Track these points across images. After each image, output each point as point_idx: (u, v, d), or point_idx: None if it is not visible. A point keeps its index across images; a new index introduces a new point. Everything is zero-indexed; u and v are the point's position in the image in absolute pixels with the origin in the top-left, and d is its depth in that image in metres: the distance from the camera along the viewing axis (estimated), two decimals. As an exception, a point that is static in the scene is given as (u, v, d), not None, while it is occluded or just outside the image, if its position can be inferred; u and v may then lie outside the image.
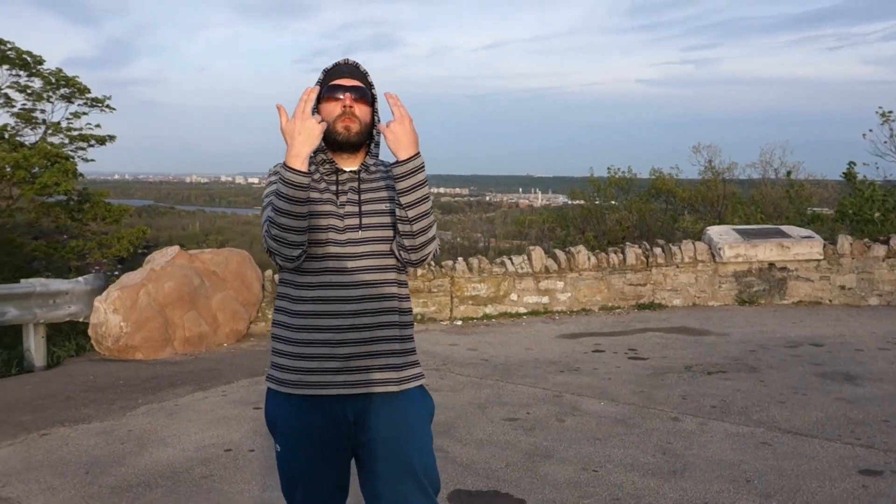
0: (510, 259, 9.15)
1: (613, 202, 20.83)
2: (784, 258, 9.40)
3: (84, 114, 14.74)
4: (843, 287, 9.43)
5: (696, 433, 4.76)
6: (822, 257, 9.42)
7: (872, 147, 14.60)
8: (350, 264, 2.10)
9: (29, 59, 14.47)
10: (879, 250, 9.37)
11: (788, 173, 16.73)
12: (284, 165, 2.01)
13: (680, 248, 9.48)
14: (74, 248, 13.75)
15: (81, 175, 14.64)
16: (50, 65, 14.74)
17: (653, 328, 8.13)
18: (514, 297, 8.91)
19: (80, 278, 7.27)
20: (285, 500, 2.24)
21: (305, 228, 2.04)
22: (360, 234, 2.12)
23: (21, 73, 14.58)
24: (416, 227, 2.08)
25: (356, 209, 2.14)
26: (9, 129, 14.43)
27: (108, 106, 14.96)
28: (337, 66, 2.19)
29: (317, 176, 2.16)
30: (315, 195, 2.12)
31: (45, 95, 14.67)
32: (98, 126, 14.90)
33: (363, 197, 2.16)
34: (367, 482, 2.12)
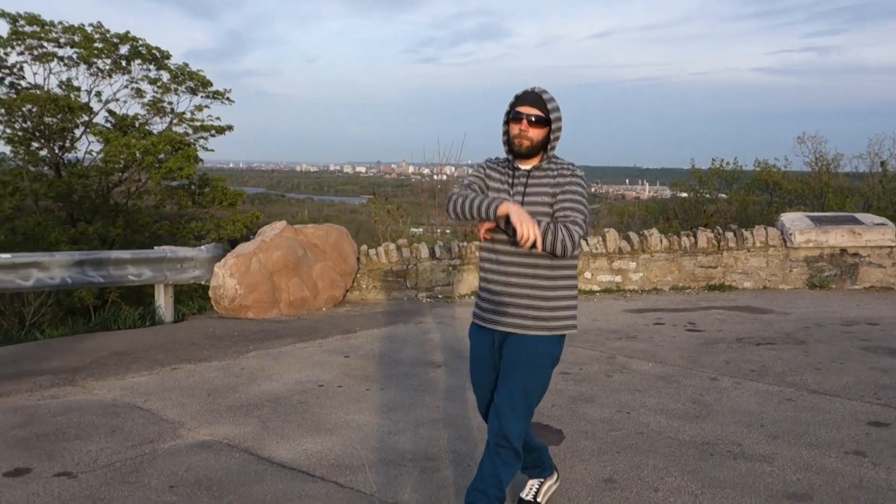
0: (585, 240, 9.78)
1: (719, 194, 20.82)
2: (856, 244, 9.63)
3: (207, 106, 16.04)
4: (916, 274, 9.59)
5: (728, 390, 5.34)
6: (894, 244, 9.60)
7: None
8: (506, 247, 2.92)
9: (158, 54, 15.92)
10: (955, 238, 9.47)
11: (882, 163, 16.43)
12: (494, 210, 2.76)
13: (752, 233, 9.85)
14: (194, 230, 15.14)
15: (201, 161, 16.02)
16: (176, 60, 16.16)
17: (717, 306, 8.60)
18: (588, 275, 9.54)
19: (202, 246, 8.44)
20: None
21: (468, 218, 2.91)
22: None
23: (151, 67, 16.05)
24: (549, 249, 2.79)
25: (521, 199, 2.91)
26: (139, 118, 15.93)
27: (228, 99, 16.26)
28: (525, 93, 2.90)
29: (501, 169, 3.01)
30: (496, 185, 2.98)
31: (171, 88, 16.09)
32: (218, 118, 16.21)
33: (528, 190, 2.92)
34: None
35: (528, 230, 2.62)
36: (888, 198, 16.09)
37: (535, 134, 2.87)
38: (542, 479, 3.42)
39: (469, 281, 9.40)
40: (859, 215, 10.35)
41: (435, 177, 16.92)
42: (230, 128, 16.49)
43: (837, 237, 9.68)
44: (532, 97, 2.88)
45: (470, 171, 3.10)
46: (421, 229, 13.76)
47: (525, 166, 2.94)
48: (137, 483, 3.62)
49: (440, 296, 9.27)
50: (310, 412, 4.75)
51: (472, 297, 9.34)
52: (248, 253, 7.89)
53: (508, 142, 2.93)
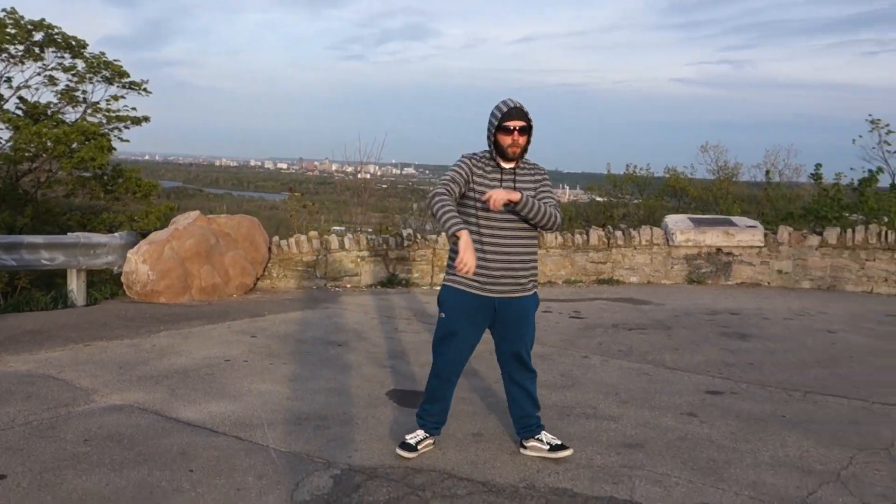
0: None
1: (632, 198, 21.91)
2: (729, 244, 10.61)
3: (122, 97, 15.99)
4: (780, 271, 10.63)
5: (595, 366, 6.05)
6: (762, 244, 10.62)
7: (862, 152, 15.34)
8: (506, 226, 3.70)
9: (73, 43, 15.81)
10: (813, 240, 10.55)
11: (767, 173, 17.75)
12: (454, 234, 3.47)
13: (639, 232, 10.72)
14: (105, 221, 15.12)
15: (115, 149, 15.95)
16: (90, 46, 15.99)
17: (603, 298, 9.39)
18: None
19: (115, 234, 8.72)
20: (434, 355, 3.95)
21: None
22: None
23: (66, 55, 15.90)
24: (535, 221, 3.70)
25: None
26: (52, 106, 15.76)
27: (145, 90, 16.26)
28: (511, 109, 3.62)
29: (488, 170, 3.71)
30: (483, 180, 3.68)
31: (87, 77, 15.98)
32: (134, 109, 16.18)
33: (517, 186, 3.69)
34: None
35: (468, 260, 3.44)
36: (772, 204, 17.41)
37: (522, 141, 3.68)
38: (427, 434, 4.03)
39: (376, 271, 9.93)
40: (734, 218, 11.36)
41: (358, 175, 17.32)
42: (146, 119, 16.47)
43: (713, 237, 10.63)
44: (517, 112, 3.63)
45: (455, 164, 3.72)
46: (343, 227, 14.17)
47: (508, 165, 3.72)
48: (54, 437, 4.03)
49: (348, 285, 9.78)
50: (216, 382, 5.21)
51: (379, 287, 9.88)
52: (162, 240, 8.23)
53: (499, 149, 3.68)
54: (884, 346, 6.96)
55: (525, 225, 3.73)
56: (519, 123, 3.63)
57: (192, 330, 6.82)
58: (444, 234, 10.26)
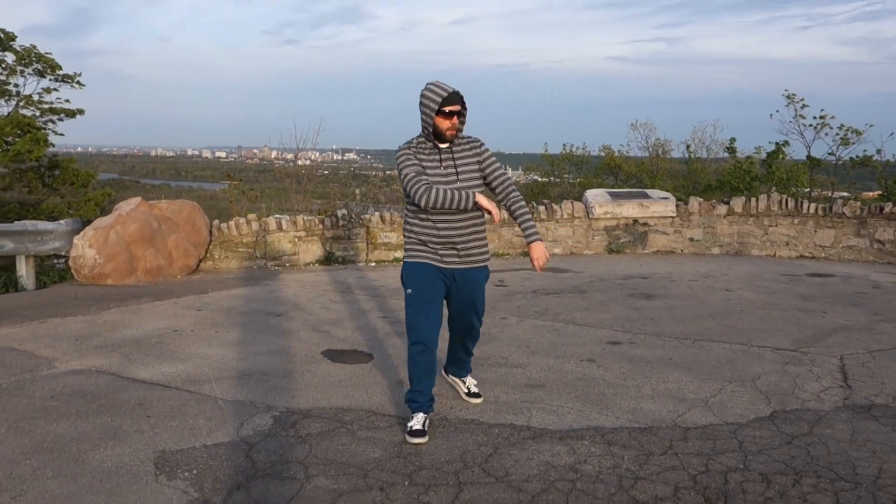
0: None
1: (569, 177, 22.68)
2: (644, 215, 11.43)
3: (55, 89, 16.06)
4: (692, 239, 11.50)
5: (511, 325, 6.72)
6: (675, 215, 11.47)
7: (780, 126, 16.06)
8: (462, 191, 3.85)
9: (2, 35, 15.80)
10: (721, 209, 11.44)
11: (688, 147, 18.70)
12: (474, 202, 3.81)
13: (560, 207, 11.45)
14: (45, 210, 15.25)
15: (52, 144, 16.05)
16: (19, 39, 15.99)
17: (527, 268, 10.10)
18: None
19: (61, 221, 9.07)
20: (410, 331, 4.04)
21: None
22: (458, 185, 3.86)
23: (-6, 48, 15.89)
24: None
25: (454, 170, 3.89)
26: (-18, 100, 15.75)
27: (78, 82, 16.34)
28: (450, 95, 3.78)
29: (428, 152, 3.90)
30: (428, 164, 3.87)
31: (18, 70, 16.01)
32: (68, 101, 16.26)
33: (457, 164, 3.90)
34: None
35: (496, 211, 3.85)
36: (693, 177, 18.40)
37: (459, 123, 3.88)
38: (426, 416, 4.09)
39: (313, 250, 10.46)
40: (649, 191, 12.19)
41: (299, 162, 17.65)
42: (81, 111, 16.56)
43: (630, 209, 11.43)
44: (455, 97, 3.82)
45: (400, 158, 3.89)
46: (286, 215, 14.58)
47: (444, 145, 3.90)
48: (23, 395, 4.52)
49: (287, 264, 10.29)
50: (166, 348, 5.73)
51: (317, 265, 10.42)
52: (106, 226, 8.62)
53: (435, 131, 3.85)
54: (771, 301, 7.80)
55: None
56: (457, 108, 3.81)
57: (141, 306, 7.29)
58: (377, 214, 10.84)
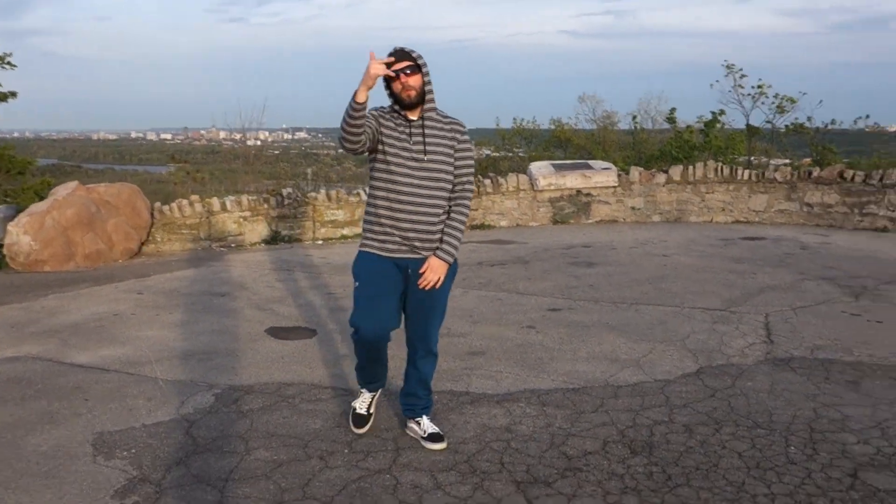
0: (364, 190, 11.08)
1: (520, 151, 22.77)
2: (587, 185, 11.62)
3: (-16, 71, 15.53)
4: (633, 208, 11.74)
5: (456, 297, 6.79)
6: (616, 184, 11.69)
7: (720, 96, 16.33)
8: (417, 181, 3.40)
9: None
10: (661, 178, 11.70)
11: (634, 118, 18.96)
12: (353, 96, 3.08)
13: (506, 179, 11.58)
14: (-22, 200, 14.83)
15: (-15, 130, 15.58)
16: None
17: (474, 241, 10.20)
18: (366, 221, 10.84)
19: (-6, 208, 8.87)
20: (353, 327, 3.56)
21: (359, 134, 3.22)
22: (425, 161, 3.40)
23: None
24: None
25: (423, 148, 3.41)
26: None
27: (9, 63, 15.83)
28: (392, 52, 3.32)
29: (396, 123, 3.40)
30: (391, 132, 3.39)
31: (-57, 53, 15.43)
32: (0, 84, 15.76)
33: (427, 140, 3.41)
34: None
35: (374, 66, 3.09)
36: (639, 148, 18.70)
37: (415, 81, 3.35)
38: (374, 394, 3.88)
39: (259, 230, 10.42)
40: (592, 162, 12.39)
41: (248, 142, 17.42)
42: (13, 94, 16.05)
43: (573, 180, 11.61)
44: (400, 53, 3.34)
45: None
46: (235, 197, 14.42)
47: (414, 117, 3.42)
48: (-44, 384, 4.48)
49: (233, 245, 10.24)
50: (106, 332, 5.70)
51: (263, 245, 10.39)
52: (42, 211, 8.47)
53: (397, 100, 3.39)
54: (705, 265, 8.04)
55: (438, 183, 3.45)
56: (404, 64, 3.33)
57: (80, 292, 7.21)
58: (324, 192, 10.82)
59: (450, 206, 3.53)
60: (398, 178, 3.41)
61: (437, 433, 3.66)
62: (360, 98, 3.11)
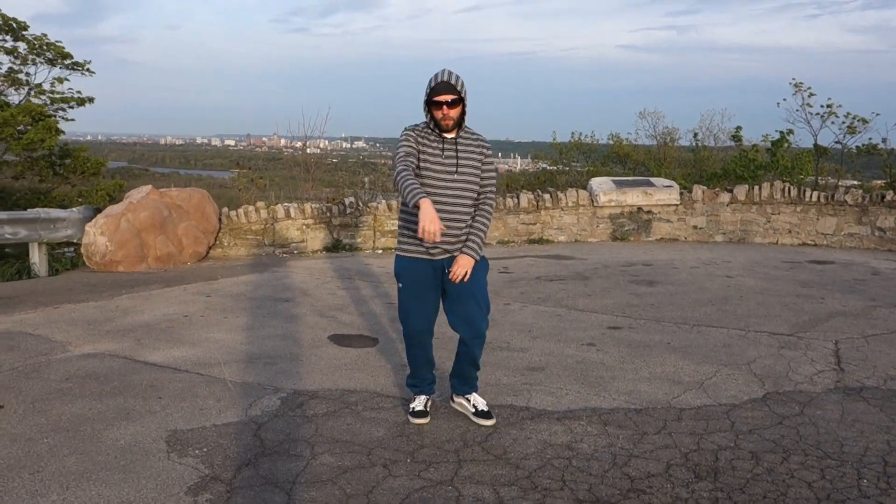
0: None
1: (577, 165, 22.69)
2: (648, 203, 11.52)
3: (66, 78, 16.20)
4: (695, 227, 11.59)
5: (515, 311, 6.85)
6: (678, 203, 11.56)
7: (786, 114, 16.06)
8: (450, 192, 3.79)
9: (14, 24, 15.94)
10: (725, 197, 11.53)
11: (695, 136, 18.72)
12: (415, 205, 3.49)
13: (566, 195, 11.55)
14: (56, 199, 15.42)
15: (63, 132, 16.22)
16: (32, 29, 16.14)
17: (531, 255, 10.22)
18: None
19: (73, 209, 9.24)
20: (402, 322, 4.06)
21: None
22: (456, 176, 3.80)
23: (7, 37, 16.04)
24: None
25: (454, 160, 3.81)
26: (-5, 89, 15.90)
27: (88, 70, 16.48)
28: (438, 84, 3.68)
29: (431, 140, 3.79)
30: (429, 150, 3.77)
31: (29, 59, 16.15)
32: (79, 91, 16.39)
33: (459, 156, 3.81)
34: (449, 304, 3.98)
35: (427, 226, 3.44)
36: (700, 165, 18.44)
37: (454, 113, 3.75)
38: (428, 397, 4.18)
39: (321, 238, 10.61)
40: (654, 179, 12.28)
41: (308, 150, 17.72)
42: (91, 100, 16.68)
43: (634, 197, 11.53)
44: (445, 86, 3.69)
45: (400, 140, 3.79)
46: (294, 203, 14.68)
47: (450, 135, 3.81)
48: (39, 378, 4.68)
49: (295, 251, 10.45)
50: (176, 333, 5.89)
51: (324, 252, 10.57)
52: (118, 213, 8.79)
53: (434, 122, 3.77)
54: (771, 287, 7.90)
55: (466, 193, 3.83)
56: (448, 97, 3.68)
57: (152, 293, 7.45)
58: (384, 202, 10.97)
59: (475, 212, 3.92)
60: (432, 190, 3.77)
61: (487, 411, 4.10)
62: (412, 206, 3.55)
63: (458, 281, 3.84)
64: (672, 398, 4.52)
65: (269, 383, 4.68)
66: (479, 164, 3.89)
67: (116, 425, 3.95)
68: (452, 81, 3.71)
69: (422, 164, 3.78)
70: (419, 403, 4.15)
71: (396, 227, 10.68)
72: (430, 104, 3.75)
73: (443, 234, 3.71)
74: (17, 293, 7.39)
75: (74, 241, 9.14)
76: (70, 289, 7.64)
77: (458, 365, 4.13)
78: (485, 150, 3.93)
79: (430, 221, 3.44)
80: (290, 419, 4.09)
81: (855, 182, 16.72)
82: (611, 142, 22.56)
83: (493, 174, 3.97)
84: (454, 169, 3.81)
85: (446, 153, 3.81)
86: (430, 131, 3.84)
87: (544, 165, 24.43)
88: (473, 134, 3.93)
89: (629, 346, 5.65)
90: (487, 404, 4.21)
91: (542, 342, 5.75)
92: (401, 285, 3.98)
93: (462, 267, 3.83)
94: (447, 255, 3.90)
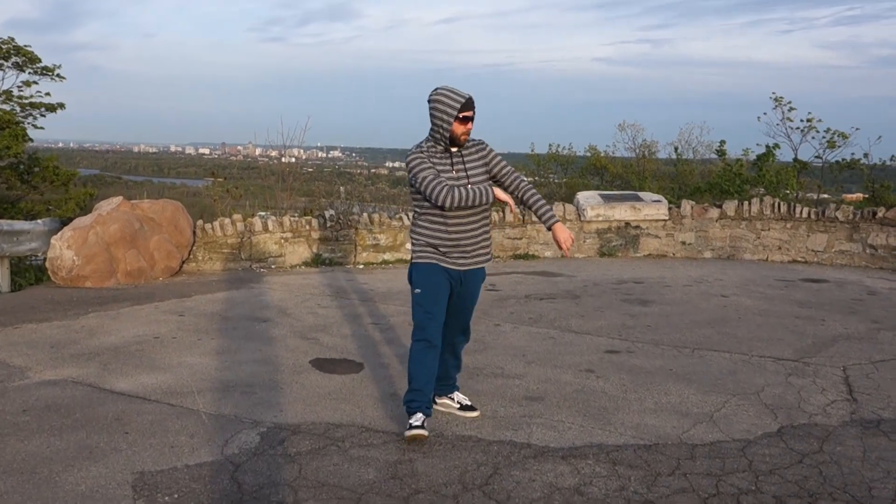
0: (407, 214, 10.85)
1: (554, 177, 22.48)
2: (637, 218, 11.27)
3: (35, 83, 15.69)
4: (684, 243, 11.36)
5: (506, 332, 6.52)
6: (667, 218, 11.32)
7: (767, 129, 15.96)
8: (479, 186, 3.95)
9: (-19, 28, 15.43)
10: (714, 213, 11.31)
11: (676, 149, 18.59)
12: (491, 195, 3.92)
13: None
14: (23, 210, 14.87)
15: (31, 140, 15.69)
16: (2, 33, 15.68)
17: (519, 272, 9.90)
18: (408, 245, 10.59)
19: (38, 221, 8.77)
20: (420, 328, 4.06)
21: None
22: (469, 188, 3.91)
23: (-28, 41, 15.52)
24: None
25: (464, 172, 4.00)
26: (-39, 95, 15.36)
27: (58, 75, 15.98)
28: (467, 101, 3.89)
29: (440, 156, 3.99)
30: (440, 166, 3.96)
31: (-4, 63, 15.63)
32: (48, 94, 15.90)
33: (467, 166, 4.01)
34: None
35: (512, 202, 3.99)
36: (681, 179, 18.29)
37: (472, 129, 4.00)
38: (426, 416, 4.05)
39: (300, 252, 10.22)
40: (641, 193, 12.03)
41: (283, 159, 17.35)
42: (62, 106, 16.22)
43: (622, 212, 11.27)
44: (471, 103, 3.92)
45: (414, 161, 3.96)
46: (268, 212, 14.25)
47: (454, 149, 4.00)
48: (-8, 410, 4.26)
49: (273, 266, 10.04)
50: (146, 357, 5.48)
51: (304, 267, 10.17)
52: (86, 226, 8.34)
53: (451, 135, 3.93)
54: (769, 308, 7.65)
55: (480, 205, 4.02)
56: (471, 114, 3.93)
57: (121, 311, 7.02)
58: (366, 215, 10.60)
59: (522, 194, 4.10)
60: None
61: (470, 405, 4.40)
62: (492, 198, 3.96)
63: (567, 248, 4.06)
64: (682, 432, 4.22)
65: (247, 416, 4.31)
66: (485, 167, 4.06)
67: (77, 466, 3.56)
68: (473, 98, 3.95)
69: (564, 252, 4.12)
70: (417, 420, 3.99)
71: (377, 243, 10.33)
72: (457, 120, 3.90)
73: (465, 245, 4.04)
74: (-25, 311, 6.93)
75: (39, 254, 8.67)
76: (33, 306, 7.19)
77: (441, 368, 4.28)
78: (482, 151, 4.09)
79: (511, 198, 4.00)
80: (270, 459, 3.72)
81: (826, 196, 16.66)
82: (588, 154, 22.40)
83: (505, 163, 4.12)
84: (466, 181, 3.98)
85: (456, 167, 4.00)
86: (435, 148, 4.02)
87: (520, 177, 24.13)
88: (469, 141, 4.06)
89: (630, 373, 5.34)
90: (471, 399, 4.48)
91: (538, 368, 5.43)
92: (418, 291, 4.06)
93: (565, 234, 4.04)
94: (465, 268, 4.10)
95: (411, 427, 3.95)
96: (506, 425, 4.25)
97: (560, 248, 4.05)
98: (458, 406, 4.40)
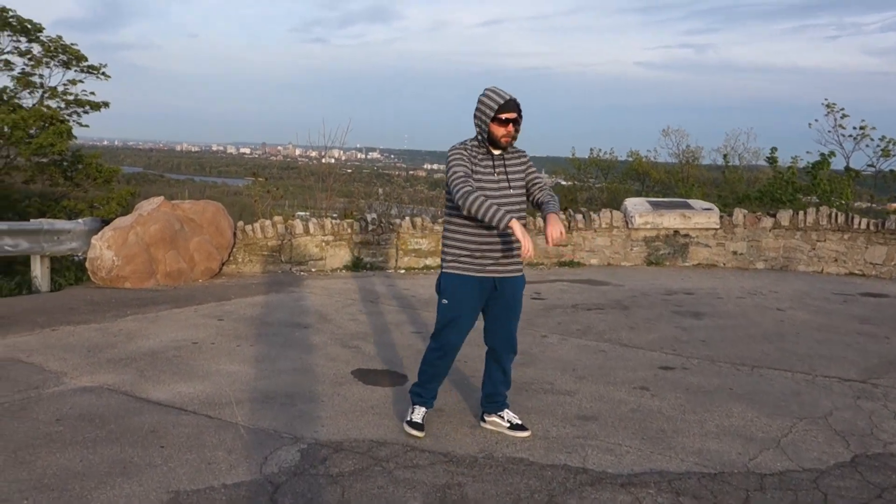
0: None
1: (596, 182, 22.16)
2: (686, 226, 10.91)
3: (80, 81, 15.80)
4: (735, 252, 10.96)
5: (554, 344, 6.26)
6: (718, 227, 10.93)
7: (818, 136, 15.53)
8: (504, 209, 3.74)
9: (30, 26, 15.57)
10: (767, 222, 10.90)
11: (725, 156, 18.11)
12: (506, 226, 3.63)
13: (599, 216, 10.96)
14: (66, 207, 14.96)
15: (76, 137, 15.79)
16: (45, 29, 15.78)
17: (564, 280, 9.62)
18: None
19: (79, 220, 8.72)
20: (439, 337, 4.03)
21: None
22: (510, 192, 3.88)
23: (21, 38, 15.67)
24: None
25: (505, 177, 3.90)
26: (8, 91, 15.51)
27: (103, 74, 16.08)
28: (507, 102, 3.77)
29: (481, 157, 3.88)
30: (481, 167, 3.86)
31: (44, 61, 15.77)
32: (93, 93, 16.00)
33: (508, 170, 3.92)
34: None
35: (528, 245, 3.61)
36: (730, 187, 17.81)
37: (514, 132, 3.88)
38: (426, 410, 4.22)
39: (341, 255, 10.05)
40: (691, 201, 11.66)
41: (322, 160, 17.29)
42: (106, 104, 16.31)
43: (671, 220, 10.92)
44: (513, 104, 3.80)
45: (453, 157, 3.85)
46: (307, 212, 14.15)
47: (497, 152, 3.91)
48: (26, 418, 4.13)
49: (313, 269, 9.89)
50: (184, 363, 5.33)
51: (344, 271, 10.01)
52: (126, 226, 8.26)
53: (490, 138, 3.84)
54: (828, 323, 7.28)
55: (518, 208, 3.92)
56: (513, 116, 3.81)
57: (160, 314, 6.90)
58: (408, 219, 10.41)
59: (541, 199, 3.99)
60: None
61: (520, 423, 4.20)
62: (503, 227, 3.66)
63: (554, 242, 3.78)
64: (748, 460, 3.92)
65: (287, 430, 4.11)
66: (524, 178, 3.99)
67: (110, 483, 3.39)
68: (518, 101, 3.82)
69: (476, 183, 3.81)
70: (419, 416, 4.16)
71: (419, 247, 10.12)
72: (495, 121, 3.80)
73: (504, 253, 3.93)
74: (13, 312, 6.85)
75: (79, 254, 8.62)
76: (71, 307, 7.10)
77: (490, 385, 4.23)
78: (524, 159, 4.03)
79: (529, 241, 3.60)
80: (311, 479, 3.51)
81: (872, 205, 16.12)
82: (630, 159, 22.01)
83: (539, 174, 4.08)
84: (507, 185, 3.90)
85: (497, 170, 3.90)
86: (478, 149, 3.91)
87: (559, 180, 23.89)
88: (514, 149, 3.99)
89: (687, 392, 5.05)
90: (520, 418, 4.28)
91: (590, 384, 5.16)
92: (445, 301, 3.98)
93: (558, 223, 3.78)
94: (500, 275, 3.97)
95: (413, 424, 4.10)
96: (559, 447, 4.00)
97: (546, 241, 3.77)
98: (509, 425, 4.21)
